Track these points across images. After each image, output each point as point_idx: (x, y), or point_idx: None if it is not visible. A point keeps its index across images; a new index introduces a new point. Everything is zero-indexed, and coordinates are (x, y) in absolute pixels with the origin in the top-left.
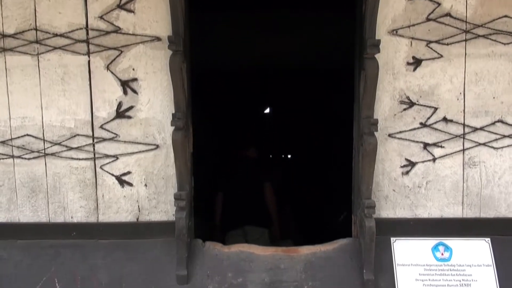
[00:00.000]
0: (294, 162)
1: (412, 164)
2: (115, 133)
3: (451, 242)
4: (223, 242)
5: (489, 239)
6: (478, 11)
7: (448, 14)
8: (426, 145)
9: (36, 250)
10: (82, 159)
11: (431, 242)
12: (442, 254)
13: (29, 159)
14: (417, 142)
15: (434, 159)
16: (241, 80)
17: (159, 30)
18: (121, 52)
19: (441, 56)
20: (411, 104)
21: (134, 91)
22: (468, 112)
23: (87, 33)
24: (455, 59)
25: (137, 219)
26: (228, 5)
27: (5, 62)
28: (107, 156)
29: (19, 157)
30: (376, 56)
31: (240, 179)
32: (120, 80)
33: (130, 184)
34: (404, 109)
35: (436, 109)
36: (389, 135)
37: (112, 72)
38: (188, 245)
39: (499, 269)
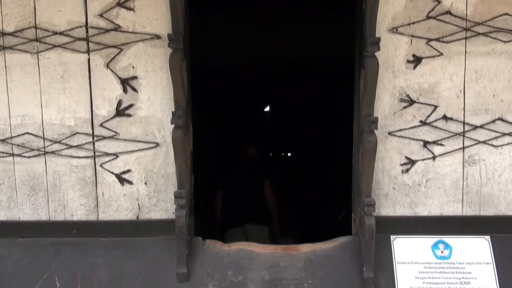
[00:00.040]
0: (294, 161)
1: (412, 162)
2: (115, 131)
3: (451, 240)
4: (223, 240)
5: (488, 237)
6: (478, 9)
7: (448, 12)
8: (426, 143)
9: (36, 248)
10: (82, 157)
11: (431, 240)
12: (442, 252)
13: (29, 157)
14: (417, 140)
15: (434, 157)
16: (241, 78)
17: (159, 28)
18: (121, 50)
19: (441, 54)
20: (411, 102)
21: (134, 89)
22: (468, 110)
23: (87, 31)
24: (455, 57)
25: (137, 217)
26: (228, 3)
27: (5, 60)
28: (107, 154)
29: (19, 155)
30: (376, 54)
31: (240, 177)
32: (120, 78)
33: (130, 182)
34: (404, 107)
35: (436, 107)
36: (389, 133)
37: (112, 70)
38: (188, 243)
39: (499, 267)
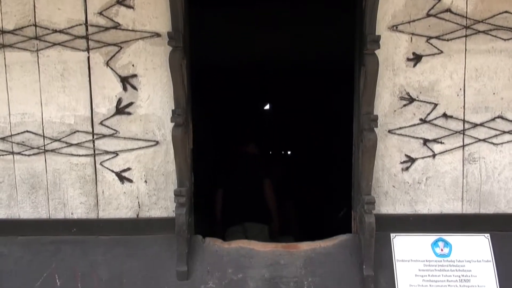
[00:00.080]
0: (294, 160)
1: (412, 160)
2: (115, 130)
3: (451, 237)
4: (223, 238)
5: (488, 234)
6: (478, 6)
7: (449, 10)
8: (426, 141)
9: (37, 247)
10: (82, 155)
11: (430, 238)
12: (442, 249)
13: (29, 155)
14: (417, 138)
15: (434, 155)
16: (241, 76)
17: (159, 26)
18: (121, 48)
19: (441, 52)
20: (411, 100)
21: (134, 87)
22: (468, 108)
23: (87, 29)
24: (455, 55)
25: (137, 215)
26: (227, 1)
27: (4, 58)
28: (107, 152)
29: (19, 153)
30: (376, 52)
31: (240, 175)
32: (119, 76)
33: (130, 181)
34: (404, 105)
35: (436, 105)
36: (389, 131)
37: (111, 68)
38: (188, 241)
39: (499, 264)
